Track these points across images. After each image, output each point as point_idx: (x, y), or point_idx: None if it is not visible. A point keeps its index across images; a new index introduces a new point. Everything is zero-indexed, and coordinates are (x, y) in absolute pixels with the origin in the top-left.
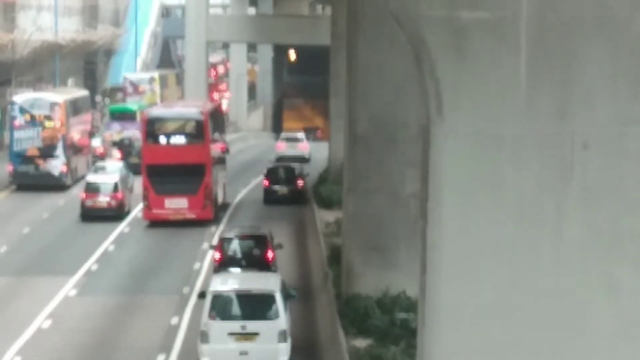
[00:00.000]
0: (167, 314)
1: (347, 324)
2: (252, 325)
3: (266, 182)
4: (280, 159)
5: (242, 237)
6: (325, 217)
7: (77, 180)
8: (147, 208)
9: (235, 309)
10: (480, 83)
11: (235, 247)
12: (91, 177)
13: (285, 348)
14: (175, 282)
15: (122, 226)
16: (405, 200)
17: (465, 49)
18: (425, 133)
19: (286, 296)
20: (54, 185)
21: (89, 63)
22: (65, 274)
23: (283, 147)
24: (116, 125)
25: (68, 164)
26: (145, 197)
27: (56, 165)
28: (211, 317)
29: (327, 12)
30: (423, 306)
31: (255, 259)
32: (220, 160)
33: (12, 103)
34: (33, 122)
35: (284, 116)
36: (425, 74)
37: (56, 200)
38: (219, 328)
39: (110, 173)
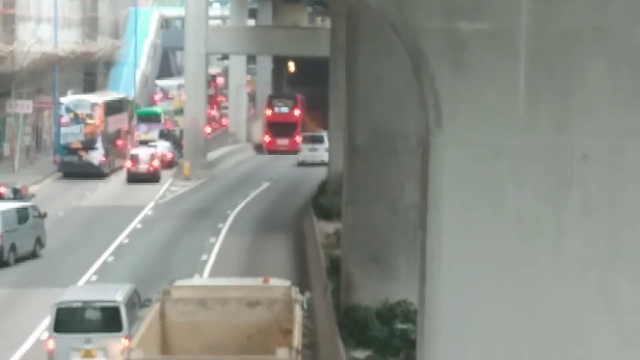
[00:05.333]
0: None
1: (346, 335)
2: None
3: None
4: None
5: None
6: (324, 228)
7: (114, 170)
8: (268, 144)
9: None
10: (480, 94)
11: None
12: (134, 151)
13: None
14: None
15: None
16: (404, 211)
17: (464, 60)
18: (424, 144)
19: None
20: (95, 173)
21: (88, 74)
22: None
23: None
24: (143, 127)
25: (106, 155)
26: (267, 138)
27: (96, 157)
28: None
29: (326, 23)
30: (422, 317)
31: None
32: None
33: (59, 103)
34: (77, 119)
35: None
36: (424, 85)
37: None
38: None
39: (151, 148)
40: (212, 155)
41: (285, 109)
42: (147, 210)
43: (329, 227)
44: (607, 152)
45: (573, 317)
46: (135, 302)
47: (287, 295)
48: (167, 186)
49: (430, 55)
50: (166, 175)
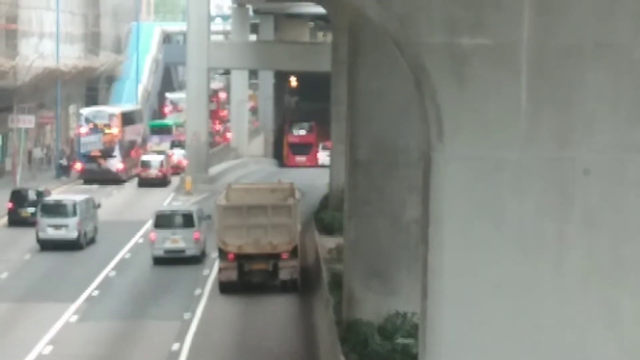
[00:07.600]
0: None
1: (348, 350)
2: None
3: None
4: None
5: None
6: (326, 243)
7: (131, 177)
8: (288, 160)
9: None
10: (481, 109)
11: None
12: (145, 157)
13: None
14: None
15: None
16: (406, 225)
17: (465, 75)
18: (426, 158)
19: None
20: (113, 179)
21: (90, 89)
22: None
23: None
24: (155, 138)
25: (124, 162)
26: (288, 155)
27: (114, 164)
28: None
29: (328, 38)
30: (424, 332)
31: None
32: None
33: (80, 114)
34: (96, 129)
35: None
36: (425, 100)
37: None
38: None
39: (161, 155)
40: (214, 170)
41: (303, 132)
42: (148, 225)
43: (331, 241)
44: (608, 166)
45: (575, 330)
46: (201, 216)
47: (291, 187)
48: (169, 201)
49: (431, 69)
50: (177, 181)
